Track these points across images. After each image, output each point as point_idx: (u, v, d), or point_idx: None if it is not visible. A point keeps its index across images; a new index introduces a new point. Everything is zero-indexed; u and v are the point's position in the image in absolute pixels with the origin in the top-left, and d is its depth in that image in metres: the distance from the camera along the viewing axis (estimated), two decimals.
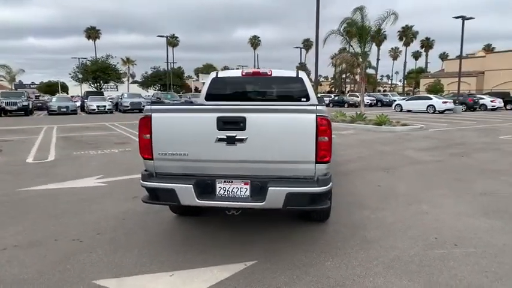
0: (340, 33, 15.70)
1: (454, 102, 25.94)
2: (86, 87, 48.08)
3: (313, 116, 2.98)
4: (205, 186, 3.16)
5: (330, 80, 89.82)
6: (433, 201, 4.94)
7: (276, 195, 2.97)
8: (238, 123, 3.03)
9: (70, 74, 49.25)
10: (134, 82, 65.03)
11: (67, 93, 60.73)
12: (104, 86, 49.17)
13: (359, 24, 14.93)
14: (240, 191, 3.15)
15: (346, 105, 36.05)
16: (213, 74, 5.04)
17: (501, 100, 28.31)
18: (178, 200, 3.09)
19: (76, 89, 58.35)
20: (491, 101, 27.99)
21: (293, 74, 4.91)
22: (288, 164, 3.08)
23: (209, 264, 3.13)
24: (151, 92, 51.76)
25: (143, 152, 3.25)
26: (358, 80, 56.96)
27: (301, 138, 3.02)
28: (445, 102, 25.19)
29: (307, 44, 77.35)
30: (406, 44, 71.12)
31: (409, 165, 7.33)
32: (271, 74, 4.76)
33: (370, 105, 36.11)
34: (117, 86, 56.56)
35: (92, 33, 65.29)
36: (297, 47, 59.85)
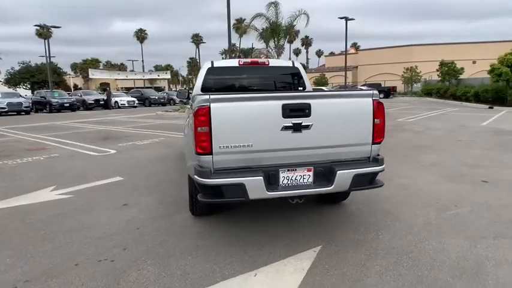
0: (254, 28, 16.20)
1: None
2: None
3: (370, 99, 3.16)
4: (269, 177, 3.03)
5: None
6: (404, 174, 5.69)
7: (345, 178, 3.06)
8: (304, 110, 3.00)
9: None
10: None
11: None
12: None
13: (272, 20, 15.65)
14: (303, 178, 3.13)
15: None
16: (208, 64, 4.71)
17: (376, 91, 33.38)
18: (247, 194, 2.90)
19: None
20: None
21: (289, 63, 4.97)
22: (348, 147, 3.20)
23: (280, 257, 3.03)
24: (22, 90, 44.00)
25: (200, 147, 2.91)
26: None
27: (360, 121, 3.17)
28: None
29: (197, 40, 76.74)
30: (290, 42, 77.05)
31: None
32: (268, 64, 4.72)
33: None
34: None
35: None
36: (193, 42, 58.86)
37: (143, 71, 62.21)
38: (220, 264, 2.94)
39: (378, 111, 3.18)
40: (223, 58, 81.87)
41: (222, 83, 4.76)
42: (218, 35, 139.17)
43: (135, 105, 30.81)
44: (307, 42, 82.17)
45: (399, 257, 3.01)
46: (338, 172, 3.04)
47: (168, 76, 61.96)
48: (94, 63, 55.48)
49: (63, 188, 5.21)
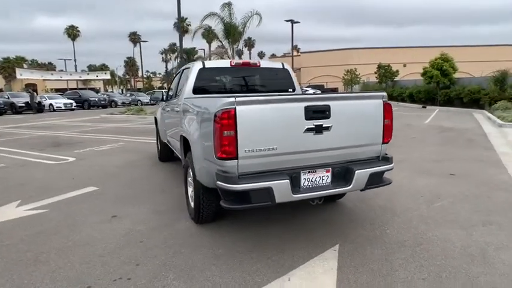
0: (208, 28, 15.98)
1: None
2: None
3: (381, 101, 3.31)
4: (291, 179, 3.01)
5: (158, 75, 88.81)
6: None
7: (362, 177, 3.16)
8: (324, 112, 3.04)
9: None
10: None
11: None
12: None
13: (226, 20, 15.57)
14: (322, 179, 3.17)
15: None
16: (199, 64, 4.52)
17: (320, 91, 35.05)
18: (274, 198, 2.85)
19: None
20: (311, 92, 34.28)
21: (279, 65, 4.98)
22: (362, 147, 3.31)
23: (304, 259, 3.03)
24: None
25: (224, 152, 2.78)
26: None
27: (372, 122, 3.30)
28: None
29: (134, 38, 73.31)
30: (233, 43, 77.37)
31: None
32: (259, 65, 4.70)
33: None
34: None
35: None
36: (130, 40, 56.22)
37: (76, 70, 57.80)
38: (248, 271, 2.85)
39: (387, 112, 3.34)
40: (163, 58, 79.34)
41: (214, 84, 4.62)
42: (155, 34, 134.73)
43: (73, 108, 28.54)
44: (250, 43, 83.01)
45: (413, 249, 3.19)
46: (357, 172, 3.13)
47: (108, 76, 58.32)
48: (19, 61, 49.87)
49: (30, 203, 4.63)
